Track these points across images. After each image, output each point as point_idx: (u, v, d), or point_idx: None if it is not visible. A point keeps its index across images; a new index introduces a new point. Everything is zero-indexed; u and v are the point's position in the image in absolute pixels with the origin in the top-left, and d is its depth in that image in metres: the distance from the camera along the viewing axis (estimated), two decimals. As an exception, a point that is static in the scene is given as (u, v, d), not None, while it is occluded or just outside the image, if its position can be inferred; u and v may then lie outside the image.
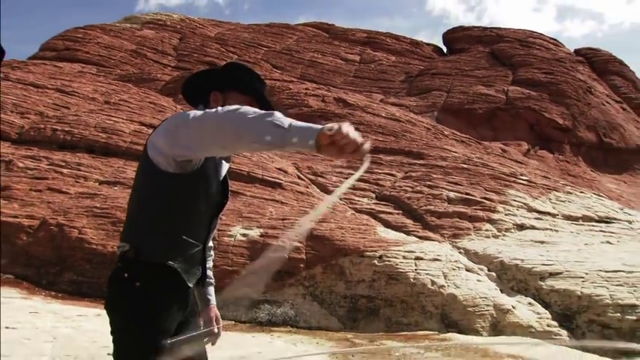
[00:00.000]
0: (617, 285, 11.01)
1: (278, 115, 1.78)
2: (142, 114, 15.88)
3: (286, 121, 1.76)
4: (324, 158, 14.02)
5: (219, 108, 1.92)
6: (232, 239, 10.52)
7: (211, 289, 2.59)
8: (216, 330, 2.56)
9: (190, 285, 2.27)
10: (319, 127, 1.73)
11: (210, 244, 2.52)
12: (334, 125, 1.70)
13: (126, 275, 2.15)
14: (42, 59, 24.03)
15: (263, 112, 1.81)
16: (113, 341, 2.16)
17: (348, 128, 1.70)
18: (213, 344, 2.55)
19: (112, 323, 2.18)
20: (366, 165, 1.87)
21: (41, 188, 11.55)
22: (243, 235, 10.75)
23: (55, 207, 10.86)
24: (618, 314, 10.36)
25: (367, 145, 1.75)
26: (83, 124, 14.27)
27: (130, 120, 15.07)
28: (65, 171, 12.40)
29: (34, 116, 14.60)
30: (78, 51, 26.30)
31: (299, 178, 15.15)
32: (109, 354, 4.73)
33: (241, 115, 1.81)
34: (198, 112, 1.98)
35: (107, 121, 14.62)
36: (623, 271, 11.49)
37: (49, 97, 15.81)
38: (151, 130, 2.17)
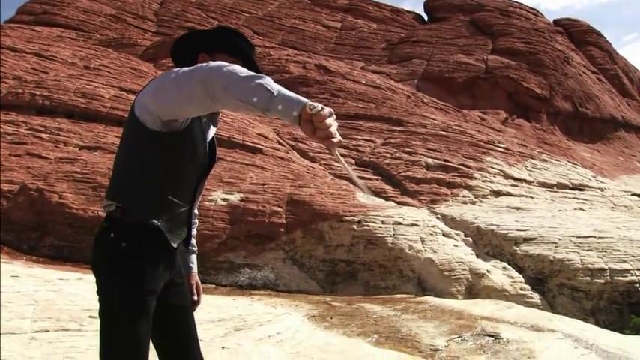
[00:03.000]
0: (587, 250, 11.33)
1: (268, 79, 1.81)
2: (123, 79, 15.70)
3: (275, 86, 1.79)
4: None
5: (211, 62, 1.93)
6: (213, 204, 10.59)
7: (193, 257, 2.60)
8: (196, 297, 2.58)
9: (174, 245, 2.27)
10: (305, 100, 1.76)
11: (195, 210, 2.50)
12: (318, 106, 1.74)
13: (112, 235, 2.15)
14: (19, 23, 23.52)
15: (254, 73, 1.84)
16: (99, 300, 2.17)
17: (328, 115, 1.74)
18: (193, 311, 2.54)
19: (98, 283, 2.18)
20: (339, 157, 1.90)
21: (20, 153, 11.45)
22: (224, 200, 10.81)
23: (35, 172, 10.79)
24: (588, 278, 10.70)
25: (337, 141, 1.77)
26: (62, 89, 14.09)
27: (110, 85, 14.90)
28: (44, 136, 12.29)
29: (12, 81, 14.37)
30: (56, 15, 25.78)
31: (279, 143, 15.19)
32: (90, 316, 4.85)
33: (232, 71, 1.83)
34: (187, 68, 1.99)
35: (87, 86, 14.45)
36: (594, 237, 11.82)
37: (27, 62, 15.54)
38: (131, 96, 2.16)
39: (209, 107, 1.99)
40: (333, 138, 1.76)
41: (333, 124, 1.76)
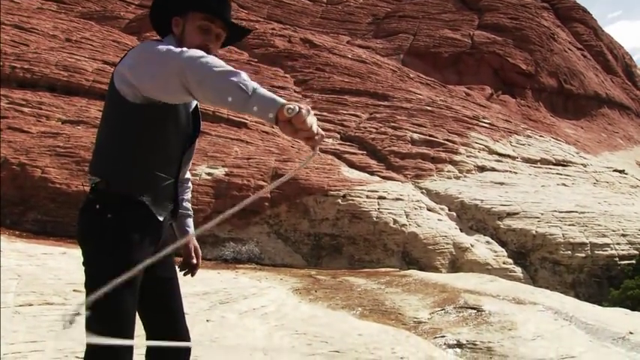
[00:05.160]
0: (569, 225, 11.48)
1: (244, 76, 1.76)
2: (105, 52, 15.50)
3: (250, 85, 1.74)
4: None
5: (184, 50, 1.90)
6: (197, 178, 10.56)
7: (190, 221, 2.56)
8: (194, 261, 2.56)
9: (160, 218, 2.23)
10: (282, 101, 1.72)
11: (188, 175, 2.51)
12: (295, 107, 1.68)
13: (98, 207, 2.12)
14: (-3, -7, 22.99)
15: (229, 69, 1.79)
16: (84, 272, 2.15)
17: (307, 114, 1.69)
18: (192, 275, 2.56)
19: (83, 254, 2.15)
20: (315, 154, 1.85)
21: (1, 127, 11.30)
22: (209, 174, 10.78)
23: (17, 146, 10.67)
24: (569, 252, 10.86)
25: (319, 138, 1.73)
26: (44, 62, 13.87)
27: (92, 58, 14.70)
28: (26, 110, 12.11)
29: (-9, 53, 14.13)
30: (36, -14, 25.24)
31: (264, 118, 15.09)
32: (74, 290, 4.83)
33: (206, 65, 1.80)
34: (163, 48, 1.95)
35: (69, 59, 14.24)
36: (576, 212, 11.97)
37: (7, 34, 15.23)
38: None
39: (185, 99, 1.96)
40: (316, 136, 1.73)
41: (313, 122, 1.71)
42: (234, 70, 1.79)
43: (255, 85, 1.76)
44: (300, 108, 1.68)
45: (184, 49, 1.92)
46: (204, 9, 2.26)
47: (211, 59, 1.82)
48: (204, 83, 1.79)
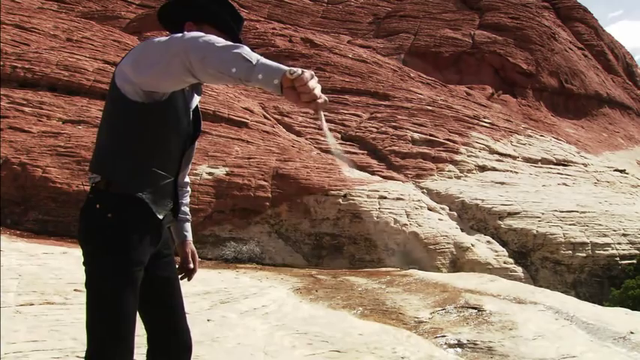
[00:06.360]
0: (570, 224, 11.48)
1: (246, 48, 1.78)
2: (106, 52, 15.47)
3: (254, 56, 1.76)
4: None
5: (185, 33, 1.91)
6: (198, 178, 10.55)
7: (188, 225, 2.58)
8: (191, 266, 2.57)
9: (160, 217, 2.24)
10: (285, 67, 1.73)
11: (187, 179, 2.50)
12: (298, 70, 1.71)
13: (98, 206, 2.13)
14: (-2, -7, 22.99)
15: (231, 43, 1.81)
16: (85, 271, 2.15)
17: (309, 77, 1.72)
18: (189, 280, 2.57)
19: (84, 254, 2.16)
20: (323, 120, 1.87)
21: (2, 127, 11.29)
22: (209, 173, 10.78)
23: (18, 146, 10.66)
24: (570, 252, 10.86)
25: (322, 101, 1.75)
26: (44, 62, 13.85)
27: (93, 58, 14.68)
28: (27, 109, 12.10)
29: (-8, 53, 14.11)
30: (36, -15, 25.23)
31: (265, 117, 15.11)
32: (75, 290, 4.84)
33: (209, 42, 1.81)
34: (164, 38, 1.96)
35: (69, 59, 14.22)
36: (577, 212, 11.97)
37: (8, 33, 15.20)
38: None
39: (187, 80, 1.95)
40: (318, 99, 1.74)
41: (315, 85, 1.74)
42: (236, 43, 1.82)
43: (258, 55, 1.78)
44: (302, 71, 1.71)
45: (185, 32, 1.93)
46: (226, 31, 2.31)
47: (212, 37, 1.84)
48: (208, 58, 1.80)
